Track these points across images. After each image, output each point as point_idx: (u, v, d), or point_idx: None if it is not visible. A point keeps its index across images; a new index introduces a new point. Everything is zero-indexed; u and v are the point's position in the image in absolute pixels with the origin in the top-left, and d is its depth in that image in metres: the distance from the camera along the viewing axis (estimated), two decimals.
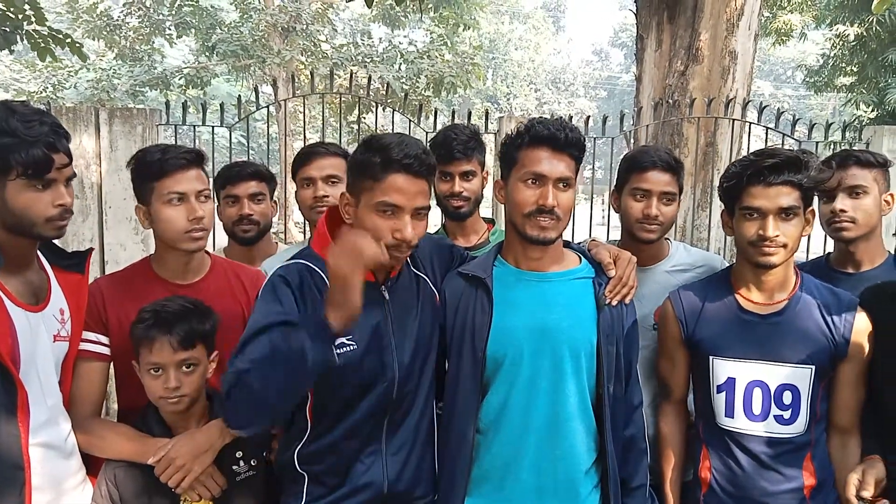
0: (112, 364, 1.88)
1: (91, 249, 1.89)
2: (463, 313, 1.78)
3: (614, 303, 1.78)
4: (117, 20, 14.68)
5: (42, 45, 5.41)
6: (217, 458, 1.74)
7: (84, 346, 1.80)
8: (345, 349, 1.63)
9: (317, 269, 1.67)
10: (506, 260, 1.83)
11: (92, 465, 1.78)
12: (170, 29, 14.81)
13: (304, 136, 5.44)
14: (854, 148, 3.37)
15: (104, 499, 1.71)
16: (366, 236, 1.52)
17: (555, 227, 1.70)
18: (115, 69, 14.95)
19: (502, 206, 1.85)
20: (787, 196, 1.77)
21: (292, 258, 1.74)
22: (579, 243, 1.99)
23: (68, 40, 5.56)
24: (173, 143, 5.06)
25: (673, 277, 2.13)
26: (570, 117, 4.81)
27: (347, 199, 1.68)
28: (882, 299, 1.85)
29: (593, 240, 2.07)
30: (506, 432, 1.74)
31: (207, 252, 2.07)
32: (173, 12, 14.37)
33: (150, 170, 1.86)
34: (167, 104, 5.08)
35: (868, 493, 1.65)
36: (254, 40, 13.95)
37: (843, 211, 2.12)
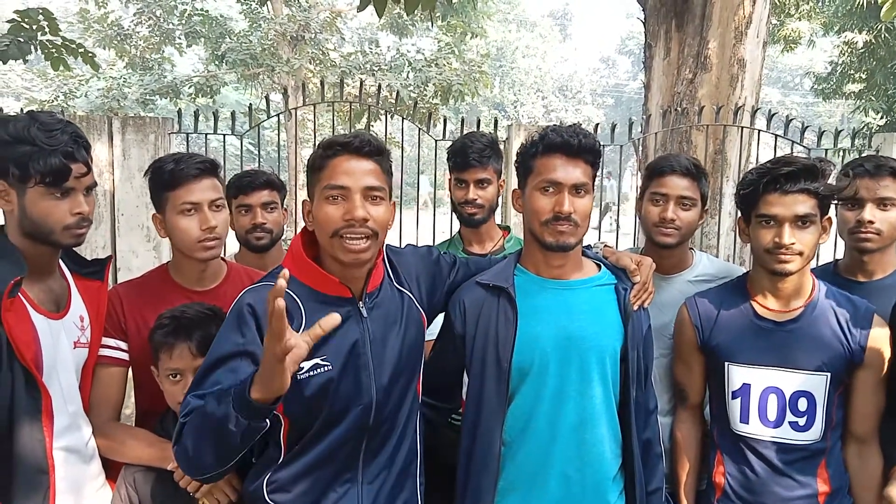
0: (130, 369, 1.90)
1: (110, 257, 1.93)
2: (485, 323, 1.75)
3: (636, 307, 1.79)
4: (128, 30, 14.84)
5: (55, 54, 5.47)
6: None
7: (103, 351, 1.83)
8: (319, 370, 1.54)
9: (290, 292, 1.52)
10: (526, 268, 1.82)
11: (111, 469, 1.80)
12: (179, 38, 14.95)
13: (315, 144, 5.47)
14: (870, 154, 3.36)
15: (124, 502, 1.72)
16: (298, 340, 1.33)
17: (573, 233, 1.70)
18: (126, 78, 15.08)
19: (515, 213, 1.86)
20: (803, 204, 1.77)
21: (264, 278, 1.68)
22: (589, 247, 1.99)
23: (81, 50, 5.62)
24: (185, 150, 5.12)
25: (696, 287, 2.12)
26: (580, 125, 4.82)
27: (308, 206, 1.62)
28: None
29: (606, 245, 2.08)
30: (532, 442, 1.72)
31: (223, 259, 2.09)
32: (183, 21, 14.52)
33: (163, 180, 1.88)
34: (179, 113, 5.13)
35: None
36: (263, 49, 14.06)
37: (870, 222, 2.08)
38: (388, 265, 1.76)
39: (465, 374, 1.85)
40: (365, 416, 1.60)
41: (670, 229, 2.11)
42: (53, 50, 5.45)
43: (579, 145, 1.69)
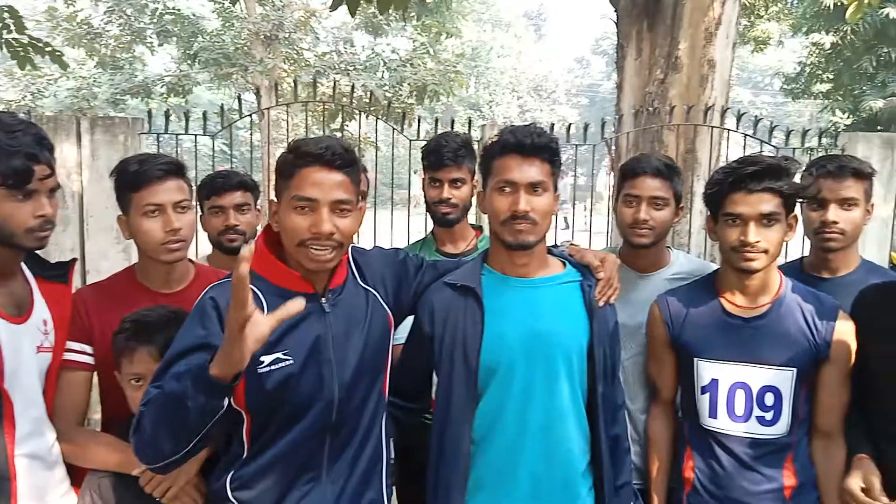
0: (97, 374, 1.87)
1: (74, 260, 1.89)
2: (453, 323, 1.77)
3: (601, 304, 1.81)
4: (98, 28, 14.60)
5: (22, 53, 5.37)
6: (201, 469, 1.73)
7: (68, 355, 1.79)
8: (280, 364, 1.54)
9: (253, 288, 1.40)
10: (492, 268, 1.84)
11: (75, 475, 1.77)
12: (151, 37, 14.76)
13: (288, 145, 5.43)
14: (833, 154, 3.43)
15: None
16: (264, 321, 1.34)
17: (532, 231, 1.71)
18: (96, 77, 14.85)
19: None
20: (768, 203, 1.80)
21: (228, 275, 1.61)
22: (555, 246, 2.01)
23: (48, 49, 5.53)
24: (156, 151, 5.05)
25: (673, 285, 2.14)
26: (552, 125, 4.85)
27: (275, 206, 1.62)
28: (886, 299, 1.87)
29: (571, 244, 2.10)
30: (501, 439, 1.73)
31: (191, 261, 2.07)
32: (154, 20, 14.34)
33: (127, 181, 1.85)
34: (149, 113, 5.07)
35: (886, 499, 1.66)
36: (236, 49, 13.94)
37: (834, 223, 2.12)
38: (353, 265, 1.76)
39: (434, 375, 1.85)
40: (327, 412, 1.60)
41: (644, 230, 2.13)
42: (20, 49, 5.36)
43: (532, 144, 1.71)
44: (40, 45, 5.48)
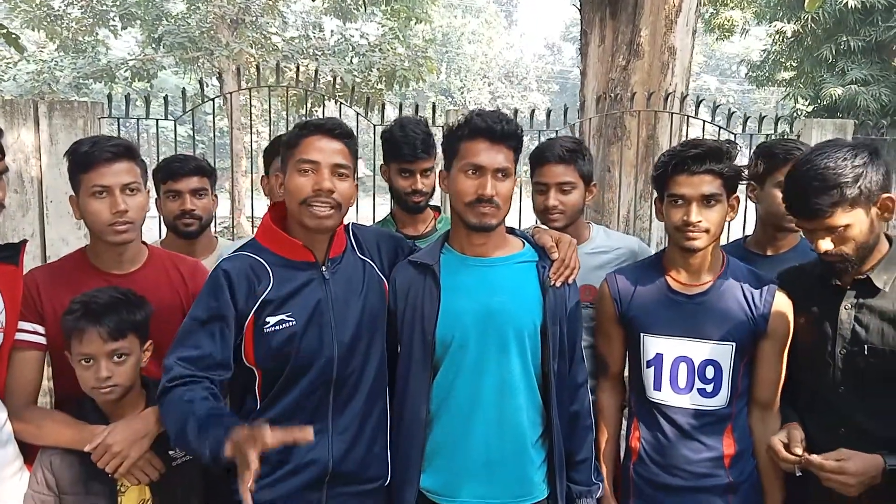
0: (49, 353, 1.88)
1: (25, 241, 1.88)
2: (413, 299, 1.85)
3: (558, 284, 1.87)
4: (58, 10, 14.26)
5: None
6: (154, 443, 1.76)
7: (20, 335, 1.79)
8: (284, 325, 1.72)
9: (260, 259, 1.77)
10: (452, 247, 1.91)
11: (28, 453, 1.78)
12: (114, 20, 14.45)
13: (251, 130, 5.41)
14: (782, 139, 3.52)
15: (41, 485, 1.71)
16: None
17: (495, 214, 1.79)
18: (58, 61, 14.51)
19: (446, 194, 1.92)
20: (709, 184, 1.87)
21: (239, 249, 1.82)
22: (524, 230, 2.06)
23: (3, 31, 5.39)
24: (115, 135, 4.98)
25: (593, 259, 2.24)
26: (516, 111, 4.90)
27: (280, 179, 1.80)
28: (801, 279, 1.97)
29: (537, 226, 2.16)
30: (455, 409, 1.82)
31: (144, 243, 2.07)
32: (117, 3, 14.05)
33: (78, 162, 1.86)
34: (109, 97, 4.99)
35: (800, 450, 1.76)
36: (201, 32, 13.73)
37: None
38: (352, 237, 1.92)
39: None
40: (328, 368, 1.76)
41: (556, 214, 2.23)
42: None
43: (503, 131, 1.77)
44: None
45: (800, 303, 1.94)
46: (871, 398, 1.78)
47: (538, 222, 2.30)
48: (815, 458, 1.72)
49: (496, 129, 1.76)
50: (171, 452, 1.79)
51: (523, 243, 1.94)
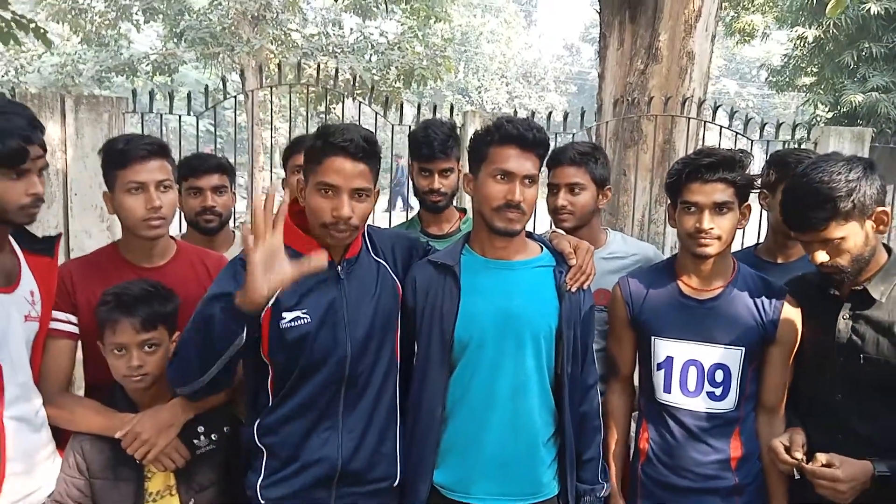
0: (80, 342, 1.95)
1: (60, 234, 1.97)
2: (433, 299, 1.90)
3: (574, 289, 1.92)
4: (82, 4, 14.44)
5: (5, 30, 5.35)
6: (180, 432, 1.83)
7: (54, 325, 1.87)
8: (299, 322, 1.76)
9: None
10: (473, 249, 1.96)
11: (59, 439, 1.86)
12: (137, 14, 14.62)
13: (272, 126, 5.49)
14: (800, 148, 3.54)
15: (73, 469, 1.79)
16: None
17: (520, 220, 1.84)
18: (81, 54, 14.71)
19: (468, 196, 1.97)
20: (721, 192, 1.91)
21: None
22: (541, 234, 2.12)
23: (32, 25, 5.50)
24: (140, 131, 5.08)
25: (609, 264, 2.29)
26: (533, 113, 4.93)
27: (302, 184, 1.82)
28: (804, 288, 2.01)
29: (554, 231, 2.22)
30: (470, 407, 1.87)
31: (173, 237, 2.15)
32: None
33: (113, 159, 1.94)
34: (134, 91, 5.09)
35: (800, 454, 1.80)
36: (223, 28, 13.85)
37: None
38: (367, 239, 1.94)
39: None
40: (341, 366, 1.80)
41: (564, 214, 2.29)
42: (3, 25, 5.33)
43: (534, 139, 1.83)
44: (24, 21, 5.45)
45: (804, 311, 1.98)
46: (866, 405, 1.82)
47: (552, 226, 2.36)
48: (807, 465, 1.76)
49: (528, 136, 1.82)
50: (195, 441, 1.87)
51: (541, 248, 1.99)
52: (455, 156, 2.53)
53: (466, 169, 1.98)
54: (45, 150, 1.71)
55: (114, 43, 14.74)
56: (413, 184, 2.60)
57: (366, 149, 1.74)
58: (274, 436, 1.81)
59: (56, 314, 1.88)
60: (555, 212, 2.31)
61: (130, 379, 1.80)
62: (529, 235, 2.01)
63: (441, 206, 2.54)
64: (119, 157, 1.91)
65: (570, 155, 2.29)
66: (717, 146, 2.36)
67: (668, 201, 2.08)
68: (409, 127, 4.88)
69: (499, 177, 1.82)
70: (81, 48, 15.25)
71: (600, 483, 2.01)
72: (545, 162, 2.34)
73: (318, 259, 1.58)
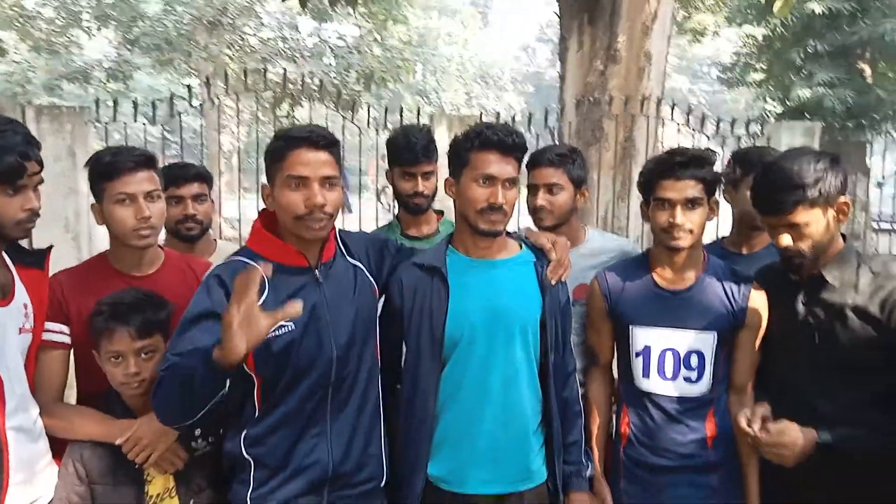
0: (72, 352, 1.97)
1: (51, 247, 1.98)
2: (421, 299, 1.96)
3: (553, 282, 2.02)
4: (31, 11, 14.08)
5: None
6: (178, 436, 1.86)
7: (47, 336, 1.89)
8: (283, 331, 1.73)
9: (254, 264, 1.68)
10: (457, 249, 2.03)
11: (54, 448, 1.87)
12: (88, 21, 14.30)
13: (234, 132, 5.47)
14: (756, 144, 3.71)
15: (73, 476, 1.81)
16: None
17: (503, 221, 1.93)
18: (30, 62, 14.33)
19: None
20: (692, 189, 2.03)
21: (231, 256, 1.88)
22: (517, 232, 2.20)
23: None
24: (104, 140, 5.03)
25: (587, 260, 2.38)
26: (498, 115, 5.04)
27: (267, 190, 1.81)
28: (771, 276, 2.14)
29: (528, 229, 2.32)
30: (463, 401, 1.94)
31: (160, 246, 2.17)
32: (92, 3, 13.91)
33: (101, 171, 1.96)
34: (97, 102, 5.04)
35: (757, 424, 1.90)
36: (178, 34, 13.66)
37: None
38: (340, 243, 1.96)
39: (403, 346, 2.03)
40: (327, 371, 1.80)
41: (543, 213, 2.37)
42: None
43: (513, 144, 1.92)
44: None
45: (770, 297, 2.11)
46: (827, 384, 1.94)
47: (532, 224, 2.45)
48: (751, 429, 1.89)
49: (507, 141, 1.90)
50: (193, 444, 1.90)
51: (521, 245, 2.09)
52: (435, 159, 2.62)
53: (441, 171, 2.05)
54: (41, 166, 1.74)
55: (65, 50, 14.41)
56: (394, 188, 2.66)
57: (327, 137, 1.77)
58: (261, 446, 1.79)
59: (49, 325, 1.90)
60: (534, 211, 2.40)
61: (128, 386, 1.83)
62: (508, 234, 2.09)
63: (424, 208, 2.62)
64: (107, 168, 1.94)
65: (548, 157, 2.38)
66: (678, 144, 2.50)
67: (633, 197, 2.20)
68: (377, 131, 4.95)
69: (481, 181, 1.90)
70: (31, 56, 14.86)
71: (584, 464, 2.10)
72: (527, 165, 2.44)
73: (293, 306, 1.51)
